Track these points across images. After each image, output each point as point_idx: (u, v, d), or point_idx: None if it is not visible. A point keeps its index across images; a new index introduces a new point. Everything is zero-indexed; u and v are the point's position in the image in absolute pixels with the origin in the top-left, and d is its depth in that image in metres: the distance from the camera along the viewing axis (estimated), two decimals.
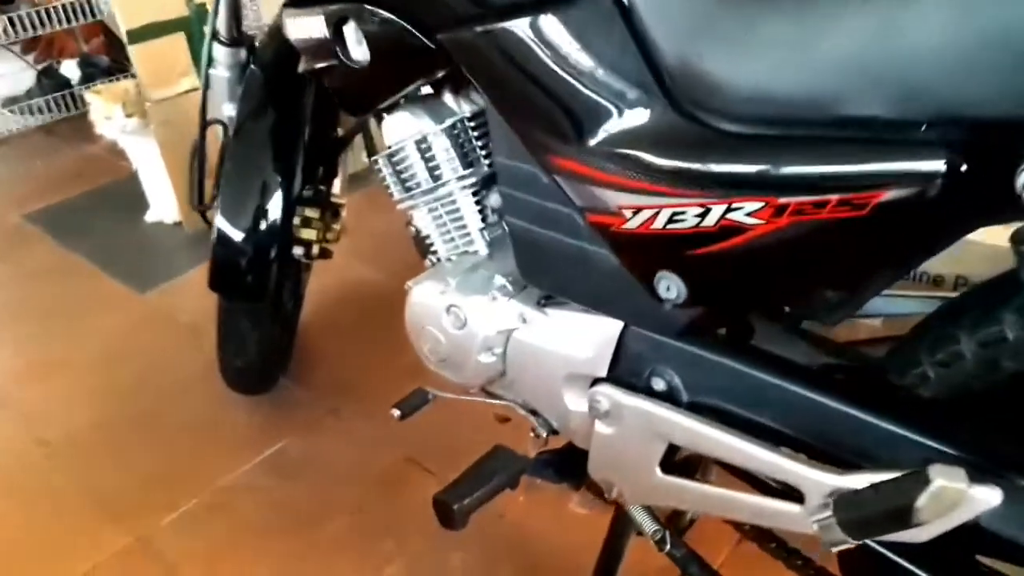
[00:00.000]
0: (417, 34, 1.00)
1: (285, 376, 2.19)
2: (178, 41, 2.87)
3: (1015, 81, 0.60)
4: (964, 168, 0.65)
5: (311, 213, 1.74)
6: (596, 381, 1.04)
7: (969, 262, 1.16)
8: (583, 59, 0.88)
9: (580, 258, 0.98)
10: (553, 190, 0.94)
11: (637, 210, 0.88)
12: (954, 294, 1.10)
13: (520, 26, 0.91)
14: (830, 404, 0.89)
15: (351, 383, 2.25)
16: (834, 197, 0.71)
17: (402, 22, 1.02)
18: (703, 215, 0.82)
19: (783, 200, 0.75)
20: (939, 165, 0.65)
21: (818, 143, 0.73)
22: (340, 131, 1.83)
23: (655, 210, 0.86)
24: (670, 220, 0.85)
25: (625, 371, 1.02)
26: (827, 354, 1.09)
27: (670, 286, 0.92)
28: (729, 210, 0.79)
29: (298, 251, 1.71)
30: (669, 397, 0.98)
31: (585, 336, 1.06)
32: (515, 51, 0.92)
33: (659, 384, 1.00)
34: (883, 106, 0.67)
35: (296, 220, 1.68)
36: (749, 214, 0.78)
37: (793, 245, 0.77)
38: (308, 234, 1.74)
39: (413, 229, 1.41)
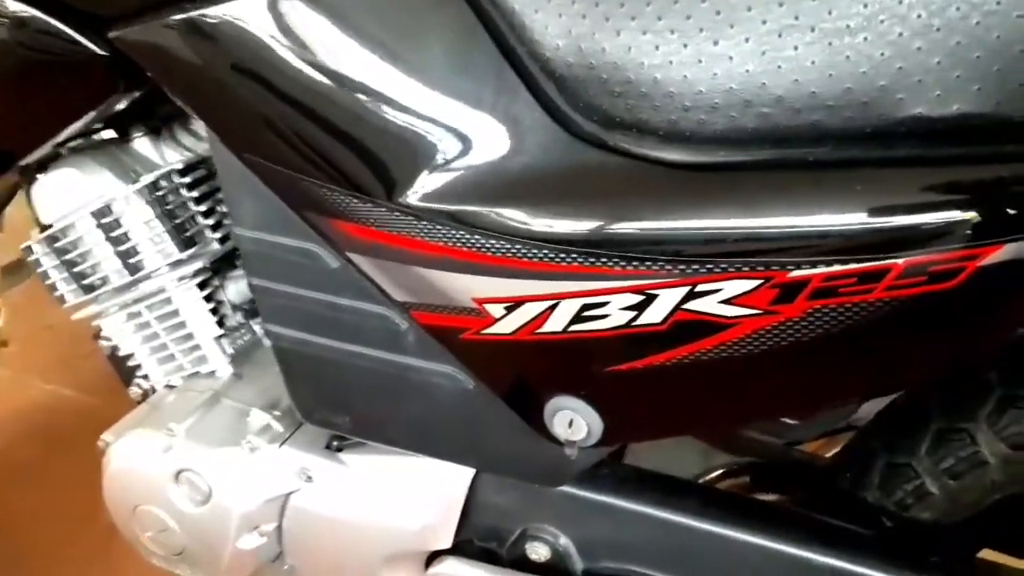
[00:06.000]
0: (71, 32, 0.56)
1: None
2: None
3: None
4: None
5: None
6: (435, 555, 0.74)
7: None
8: (394, 50, 0.50)
9: (403, 385, 0.59)
10: (347, 278, 0.55)
11: (513, 304, 0.52)
12: None
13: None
14: (792, 553, 0.64)
15: (26, 566, 1.53)
16: (900, 263, 0.40)
17: (38, 12, 0.57)
18: (641, 307, 0.48)
19: (797, 274, 0.43)
20: None
21: (860, 169, 0.42)
22: None
23: (548, 303, 0.50)
24: (577, 318, 0.50)
25: (482, 534, 0.74)
26: (745, 454, 0.81)
27: (573, 421, 0.56)
28: (692, 296, 0.45)
29: None
30: (555, 569, 0.70)
31: (415, 493, 0.71)
32: (268, 44, 0.52)
33: (540, 551, 0.73)
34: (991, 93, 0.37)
35: None
36: (729, 300, 0.45)
37: (809, 347, 0.45)
38: None
39: (105, 344, 0.93)
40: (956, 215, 0.40)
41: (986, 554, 0.74)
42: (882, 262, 0.41)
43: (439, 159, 0.51)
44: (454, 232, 0.52)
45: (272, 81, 0.53)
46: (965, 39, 0.38)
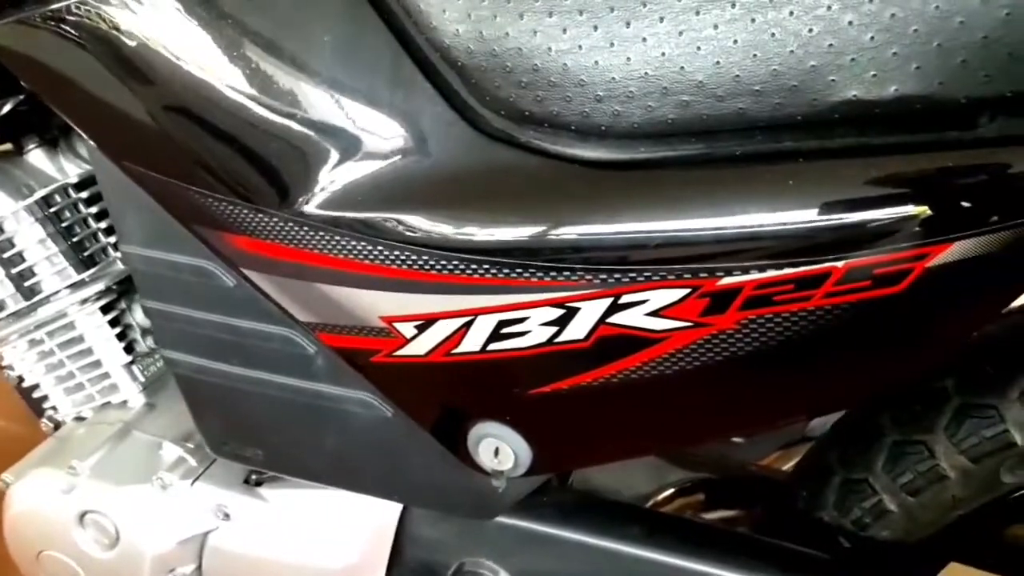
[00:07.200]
0: None
1: None
2: None
3: None
4: None
5: None
6: None
7: None
8: (277, 42, 0.45)
9: (316, 414, 0.54)
10: (245, 298, 0.49)
11: (424, 323, 0.46)
12: None
13: None
14: None
15: None
16: (840, 266, 0.36)
17: None
18: (562, 321, 0.43)
19: (728, 282, 0.38)
20: None
21: (792, 162, 0.37)
22: None
23: (462, 320, 0.45)
24: (495, 335, 0.45)
25: (415, 571, 0.68)
26: (699, 470, 0.77)
27: (499, 449, 0.51)
28: (615, 308, 0.41)
29: None
30: None
31: (341, 528, 0.69)
32: (137, 38, 0.46)
33: None
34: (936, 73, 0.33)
35: None
36: (656, 312, 0.40)
37: (745, 363, 0.40)
38: None
39: (11, 375, 0.86)
40: (900, 211, 0.35)
41: (952, 568, 0.70)
42: (820, 266, 0.37)
43: (334, 162, 0.46)
44: (355, 243, 0.46)
45: (144, 80, 0.47)
46: (901, 11, 0.33)
